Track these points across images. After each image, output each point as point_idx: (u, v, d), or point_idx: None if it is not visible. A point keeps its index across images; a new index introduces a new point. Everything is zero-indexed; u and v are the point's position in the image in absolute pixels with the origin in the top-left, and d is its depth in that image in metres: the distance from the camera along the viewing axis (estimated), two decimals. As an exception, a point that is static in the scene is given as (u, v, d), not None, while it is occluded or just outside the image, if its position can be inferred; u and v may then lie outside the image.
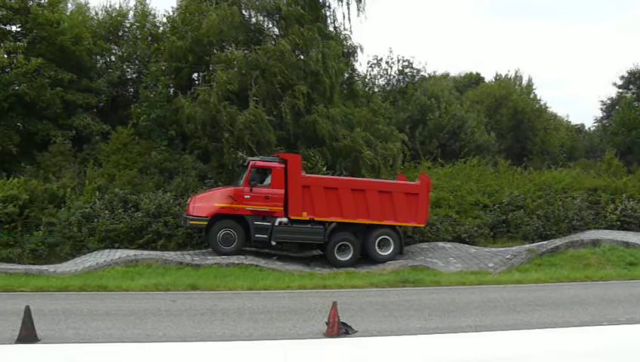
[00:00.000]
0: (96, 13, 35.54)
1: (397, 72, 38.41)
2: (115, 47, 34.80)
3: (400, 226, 24.54)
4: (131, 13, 35.39)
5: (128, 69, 34.64)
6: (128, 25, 35.42)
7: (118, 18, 35.00)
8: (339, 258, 23.70)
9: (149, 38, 34.05)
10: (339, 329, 12.52)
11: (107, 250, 23.65)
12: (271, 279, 20.08)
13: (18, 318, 12.04)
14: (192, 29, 29.84)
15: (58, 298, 16.65)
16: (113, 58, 34.85)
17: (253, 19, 30.50)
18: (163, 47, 31.67)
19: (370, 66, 37.09)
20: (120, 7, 35.42)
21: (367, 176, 27.93)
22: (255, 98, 26.92)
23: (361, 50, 32.49)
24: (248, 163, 24.00)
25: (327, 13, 31.05)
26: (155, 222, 24.78)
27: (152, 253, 22.91)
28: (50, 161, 28.12)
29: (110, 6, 35.39)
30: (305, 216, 23.45)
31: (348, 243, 23.82)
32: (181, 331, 13.02)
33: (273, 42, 28.71)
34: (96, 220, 24.65)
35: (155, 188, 26.43)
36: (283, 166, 23.67)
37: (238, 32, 28.88)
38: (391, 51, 44.42)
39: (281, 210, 23.48)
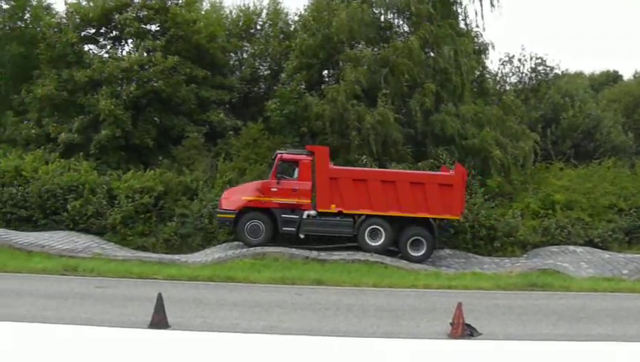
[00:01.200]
0: (230, 12, 36.60)
1: (529, 69, 37.21)
2: (248, 45, 35.65)
3: (435, 220, 23.58)
4: (264, 11, 36.16)
5: (260, 66, 35.38)
6: (261, 23, 36.21)
7: (252, 17, 35.85)
8: (370, 243, 23.20)
9: (281, 36, 34.65)
10: (463, 330, 12.28)
11: (236, 243, 24.20)
12: (396, 277, 19.92)
13: (151, 304, 12.50)
14: (323, 26, 30.16)
15: (188, 287, 17.23)
16: (246, 55, 35.73)
17: (383, 17, 30.48)
18: (294, 44, 32.16)
19: (502, 64, 36.12)
20: (254, 5, 36.27)
21: (496, 177, 27.31)
22: (383, 96, 26.85)
23: (493, 47, 31.81)
24: (275, 156, 23.99)
25: (459, 10, 30.57)
26: (285, 216, 25.11)
27: (279, 246, 23.22)
28: (184, 154, 29.15)
29: (244, 5, 36.34)
30: (333, 209, 23.12)
31: (379, 227, 23.21)
32: (305, 324, 13.16)
33: (402, 40, 28.54)
34: (225, 212, 25.26)
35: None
36: (310, 158, 23.48)
37: (368, 30, 28.92)
38: (523, 48, 43.24)
39: (309, 202, 23.30)
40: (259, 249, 22.58)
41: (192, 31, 31.43)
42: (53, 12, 34.77)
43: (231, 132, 30.98)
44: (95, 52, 32.81)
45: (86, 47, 32.67)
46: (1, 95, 34.40)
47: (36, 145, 30.03)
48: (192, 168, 28.10)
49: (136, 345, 11.05)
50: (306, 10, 33.98)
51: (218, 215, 23.98)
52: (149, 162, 29.25)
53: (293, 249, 22.80)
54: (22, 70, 33.40)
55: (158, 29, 32.09)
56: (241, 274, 18.86)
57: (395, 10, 29.89)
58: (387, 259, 22.53)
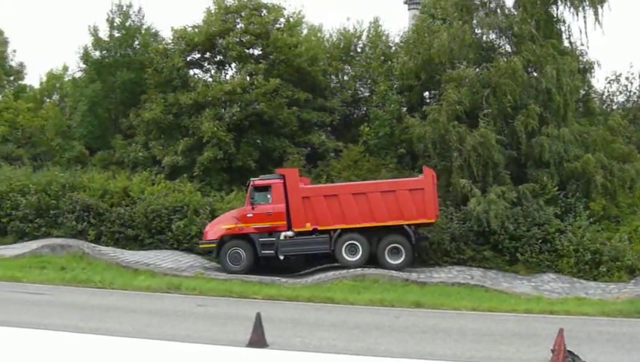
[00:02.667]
0: (330, 35, 36.85)
1: (638, 87, 35.68)
2: (348, 67, 35.79)
3: (411, 227, 23.37)
4: (364, 34, 36.28)
5: (361, 88, 35.44)
6: (361, 45, 36.33)
7: (352, 39, 36.03)
8: (347, 258, 23.37)
9: (382, 58, 34.66)
10: (564, 357, 11.72)
11: (336, 264, 24.16)
12: (496, 301, 19.36)
13: (250, 323, 12.54)
14: (424, 48, 29.97)
15: (288, 307, 17.27)
16: (346, 77, 35.87)
17: (485, 37, 29.98)
18: (395, 66, 32.09)
19: (609, 82, 34.75)
20: (354, 28, 36.44)
21: (600, 199, 26.32)
22: (485, 117, 26.36)
23: (599, 65, 30.62)
24: (249, 183, 24.77)
25: (562, 29, 29.65)
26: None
27: (378, 268, 23.03)
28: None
29: (344, 28, 36.54)
30: (308, 227, 23.47)
31: (356, 242, 23.36)
32: (403, 347, 12.91)
33: (505, 60, 27.98)
34: (325, 234, 25.29)
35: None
36: (282, 181, 24.00)
37: (469, 51, 28.49)
38: (631, 66, 41.45)
39: (284, 224, 23.71)
40: (358, 271, 22.44)
41: (293, 54, 31.87)
42: (161, 39, 36.01)
43: (332, 154, 31.10)
44: (199, 76, 33.76)
45: (191, 72, 33.64)
46: (111, 119, 35.89)
47: (143, 167, 31.04)
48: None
49: (235, 362, 11.15)
50: (406, 32, 33.90)
51: (201, 245, 24.90)
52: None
53: (393, 271, 22.57)
54: (131, 95, 34.76)
55: (260, 52, 32.70)
56: (341, 296, 18.75)
57: (497, 31, 29.36)
58: (487, 283, 22.04)
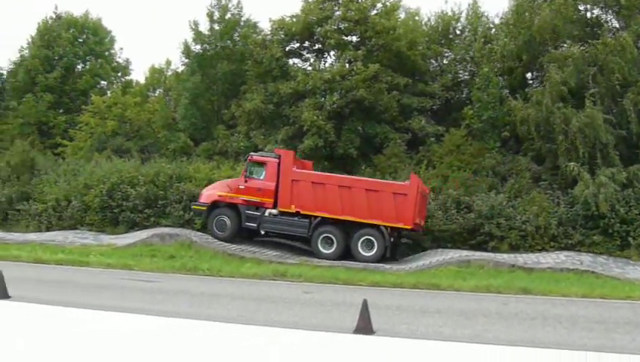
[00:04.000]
0: (429, 19, 36.42)
1: None
2: (448, 51, 35.27)
3: (386, 228, 23.36)
4: (463, 15, 35.66)
5: (461, 72, 34.87)
6: (460, 28, 35.71)
7: (451, 22, 35.47)
8: (323, 250, 23.79)
9: (482, 40, 33.96)
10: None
11: (440, 250, 23.96)
12: (608, 287, 18.66)
13: (356, 310, 12.54)
14: (525, 27, 29.09)
15: (393, 293, 17.19)
16: (446, 61, 35.38)
17: (589, 13, 28.85)
18: (495, 48, 31.33)
19: None
20: (452, 11, 35.89)
21: None
22: (591, 97, 25.37)
23: None
24: (248, 157, 26.03)
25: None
26: (488, 223, 24.54)
27: (484, 254, 22.68)
28: (386, 163, 29.26)
29: (442, 11, 36.02)
30: (292, 209, 24.14)
31: (332, 236, 23.79)
32: (511, 334, 12.62)
33: (612, 36, 26.82)
34: (429, 220, 25.07)
35: (488, 189, 26.13)
36: (277, 161, 24.68)
37: (573, 28, 27.50)
38: None
39: (271, 201, 24.54)
40: (464, 256, 22.12)
41: (391, 39, 31.66)
42: (259, 30, 36.48)
43: (432, 139, 30.72)
44: (299, 65, 33.94)
45: (290, 61, 33.90)
46: (214, 110, 36.65)
47: (245, 157, 31.48)
48: (394, 176, 28.12)
49: (342, 349, 11.12)
50: (506, 12, 33.07)
51: (193, 206, 26.00)
52: (353, 171, 29.66)
53: (498, 256, 22.14)
54: (232, 86, 35.46)
55: (358, 39, 32.59)
56: (446, 282, 18.53)
57: (602, 5, 28.17)
58: (598, 269, 21.36)
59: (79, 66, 45.69)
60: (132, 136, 37.52)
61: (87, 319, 13.18)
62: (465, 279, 19.37)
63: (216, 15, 36.86)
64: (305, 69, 33.02)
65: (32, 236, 27.99)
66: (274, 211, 24.55)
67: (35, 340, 11.27)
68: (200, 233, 24.81)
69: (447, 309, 15.14)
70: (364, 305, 12.27)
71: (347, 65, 31.17)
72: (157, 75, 48.32)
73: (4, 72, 48.22)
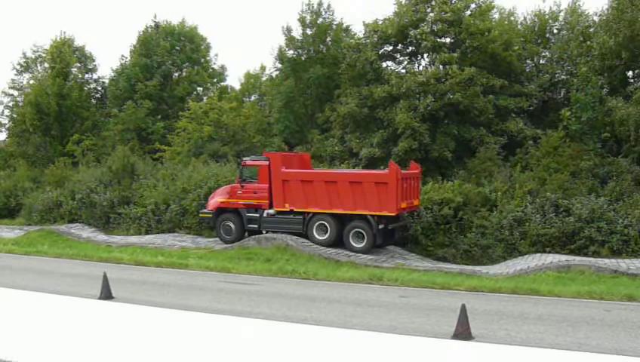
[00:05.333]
0: (524, 18, 35.78)
1: None
2: (545, 50, 34.53)
3: (373, 217, 24.09)
4: (561, 14, 34.83)
5: (558, 71, 34.06)
6: (558, 26, 34.90)
7: (548, 21, 34.70)
8: (317, 236, 24.99)
9: (580, 38, 33.10)
10: None
11: (538, 254, 23.44)
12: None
13: (454, 315, 12.49)
14: (625, 25, 28.16)
15: (491, 298, 16.94)
16: (543, 61, 34.64)
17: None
18: (594, 46, 30.45)
19: None
20: (550, 9, 35.09)
21: None
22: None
23: None
24: (241, 162, 27.70)
25: None
26: (588, 227, 23.87)
27: (584, 259, 22.06)
28: (480, 166, 28.90)
29: (539, 10, 35.30)
30: (287, 207, 25.51)
31: (325, 223, 24.90)
32: (616, 343, 12.26)
33: None
34: (527, 224, 24.64)
35: (588, 192, 25.43)
36: (268, 163, 25.92)
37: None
38: None
39: (266, 202, 26.04)
40: (563, 261, 21.58)
41: (486, 40, 31.26)
42: (352, 34, 36.66)
43: (530, 141, 30.12)
44: (392, 68, 33.90)
45: (384, 64, 33.89)
46: (308, 114, 37.05)
47: (340, 161, 31.76)
48: (489, 179, 27.77)
49: (441, 355, 11.11)
50: (606, 9, 32.07)
51: (200, 214, 28.23)
52: (447, 174, 29.45)
53: (600, 261, 21.49)
54: (325, 90, 35.79)
55: (452, 40, 32.31)
56: (545, 288, 18.09)
57: None
58: None
59: (176, 74, 47.10)
60: (228, 141, 38.30)
61: (186, 320, 13.62)
62: (565, 284, 18.85)
63: (308, 20, 37.29)
64: (399, 72, 32.95)
65: (133, 239, 29.05)
66: (271, 211, 26.08)
67: (135, 339, 11.74)
68: (295, 236, 25.09)
69: (548, 316, 14.81)
70: (463, 310, 12.21)
71: (441, 67, 30.94)
72: (252, 81, 49.24)
73: (107, 81, 50.22)
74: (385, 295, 17.35)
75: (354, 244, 24.57)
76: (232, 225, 26.82)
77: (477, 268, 22.59)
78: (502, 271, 21.66)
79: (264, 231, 26.28)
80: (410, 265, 22.40)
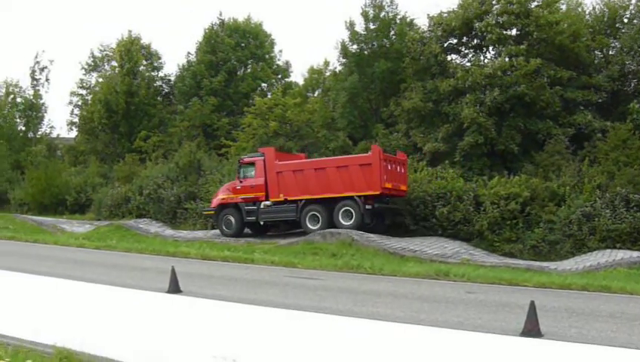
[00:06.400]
0: (593, 8, 34.96)
1: None
2: (614, 41, 33.66)
3: (360, 197, 25.81)
4: (632, 2, 33.88)
5: (628, 62, 33.15)
6: (629, 16, 33.98)
7: (618, 10, 33.83)
8: (310, 226, 26.65)
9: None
10: None
11: (608, 250, 22.97)
12: None
13: (522, 312, 12.33)
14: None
15: (560, 295, 16.65)
16: (612, 52, 33.77)
17: None
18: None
19: None
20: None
21: None
22: None
23: None
24: (239, 160, 29.67)
25: None
26: (661, 222, 23.28)
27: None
28: (548, 160, 28.42)
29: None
30: (281, 198, 27.32)
31: (317, 213, 26.70)
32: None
33: None
34: (596, 219, 24.15)
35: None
36: (263, 158, 27.98)
37: None
38: None
39: (263, 194, 27.83)
40: (635, 257, 21.09)
41: (553, 32, 30.65)
42: (416, 27, 36.41)
43: (598, 134, 29.44)
44: (457, 61, 33.55)
45: (449, 58, 33.57)
46: (372, 109, 37.00)
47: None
48: (557, 173, 27.28)
49: (509, 352, 11.00)
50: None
51: (205, 212, 30.91)
52: (513, 168, 29.05)
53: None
54: (389, 84, 35.68)
55: (518, 32, 31.78)
56: (617, 284, 17.69)
57: None
58: None
59: (241, 70, 47.60)
60: (292, 136, 38.54)
61: (251, 315, 13.79)
62: (638, 282, 18.38)
63: (371, 14, 37.19)
64: (464, 65, 32.59)
65: (200, 233, 29.58)
66: (267, 203, 27.85)
67: (202, 333, 11.95)
68: (360, 231, 25.15)
69: (621, 313, 14.47)
70: (532, 306, 11.99)
71: (507, 60, 30.48)
72: (315, 76, 49.39)
73: (172, 78, 51.10)
74: (451, 290, 17.21)
75: (343, 222, 26.18)
76: (232, 219, 28.76)
77: (545, 264, 22.27)
78: (571, 267, 21.30)
79: (261, 223, 28.46)
80: (477, 261, 22.24)
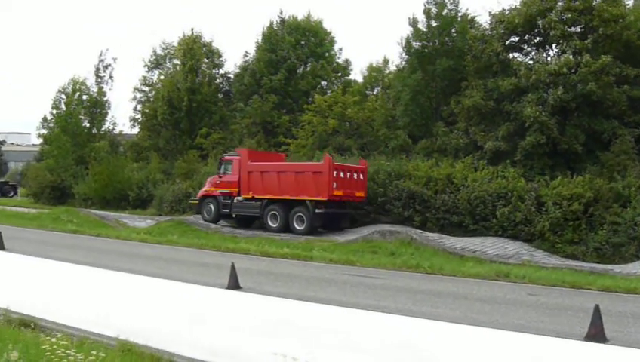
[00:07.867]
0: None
1: None
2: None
3: (311, 202, 28.16)
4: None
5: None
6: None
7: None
8: (271, 224, 29.51)
9: None
10: None
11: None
12: None
13: (585, 315, 12.08)
14: None
15: (625, 299, 16.26)
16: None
17: None
18: None
19: None
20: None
21: None
22: None
23: None
24: (221, 158, 33.32)
25: None
26: None
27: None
28: (613, 160, 27.76)
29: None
30: (250, 195, 30.22)
31: (276, 212, 29.42)
32: None
33: None
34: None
35: None
36: (239, 158, 31.16)
37: None
38: None
39: (236, 190, 30.93)
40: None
41: (620, 28, 29.83)
42: (478, 25, 36.01)
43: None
44: (520, 59, 32.97)
45: (510, 55, 33.07)
46: (432, 107, 36.72)
47: (464, 154, 31.35)
48: (622, 174, 26.59)
49: (573, 357, 10.79)
50: None
51: (190, 201, 35.31)
52: (576, 168, 28.45)
53: None
54: (450, 82, 35.38)
55: (582, 29, 31.05)
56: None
57: None
58: None
59: (301, 68, 47.77)
60: (352, 134, 38.57)
61: (311, 312, 13.81)
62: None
63: (433, 11, 36.90)
64: (526, 63, 32.02)
65: (259, 230, 29.83)
66: (240, 198, 30.83)
67: (262, 329, 12.01)
68: (419, 230, 24.96)
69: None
70: (597, 310, 11.73)
71: (572, 57, 29.82)
72: (375, 74, 49.26)
73: (232, 76, 51.58)
74: (512, 292, 16.97)
75: (297, 227, 28.77)
76: (212, 207, 32.08)
77: (609, 266, 21.70)
78: (636, 270, 20.72)
79: (234, 215, 31.57)
80: (538, 262, 21.84)
